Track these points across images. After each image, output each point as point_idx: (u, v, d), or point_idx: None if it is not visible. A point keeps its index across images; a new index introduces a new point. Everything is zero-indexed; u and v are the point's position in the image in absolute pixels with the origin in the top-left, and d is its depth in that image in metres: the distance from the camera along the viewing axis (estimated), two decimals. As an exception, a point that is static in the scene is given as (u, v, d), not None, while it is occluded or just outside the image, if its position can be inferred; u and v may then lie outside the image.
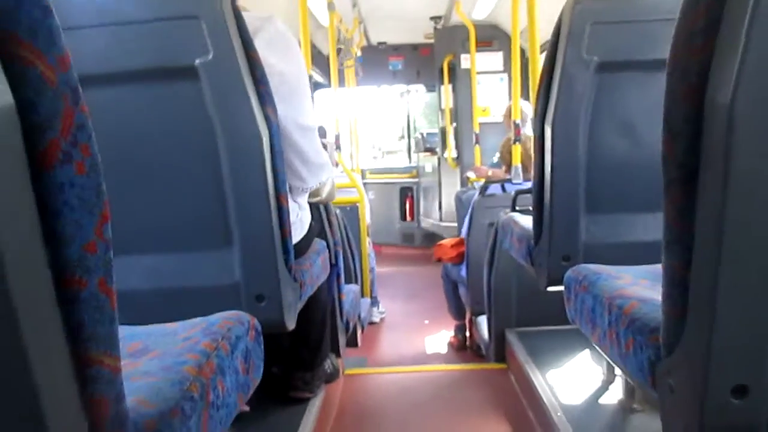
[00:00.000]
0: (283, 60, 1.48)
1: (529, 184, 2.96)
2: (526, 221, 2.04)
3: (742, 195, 0.70)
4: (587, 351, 2.20)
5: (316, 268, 1.74)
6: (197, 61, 1.28)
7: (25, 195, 0.52)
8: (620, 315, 1.07)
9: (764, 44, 0.66)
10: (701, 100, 0.74)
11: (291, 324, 1.45)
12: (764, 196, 0.70)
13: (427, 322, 4.42)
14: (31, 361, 0.51)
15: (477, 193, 3.27)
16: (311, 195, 1.77)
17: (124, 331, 1.02)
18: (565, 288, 1.41)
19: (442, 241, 3.66)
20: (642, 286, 1.17)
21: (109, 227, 0.59)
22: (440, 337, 4.01)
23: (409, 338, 4.07)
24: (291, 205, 1.55)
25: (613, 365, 1.35)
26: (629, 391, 1.77)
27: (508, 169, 3.52)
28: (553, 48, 1.65)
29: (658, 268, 0.88)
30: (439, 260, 3.71)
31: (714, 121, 0.72)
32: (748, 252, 0.72)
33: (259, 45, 1.36)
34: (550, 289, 1.73)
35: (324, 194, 1.91)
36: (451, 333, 3.88)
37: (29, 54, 0.52)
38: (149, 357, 0.92)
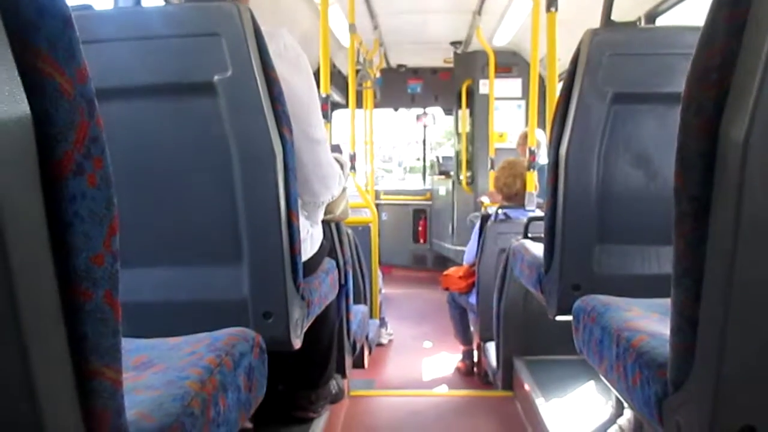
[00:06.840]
0: (293, 73, 1.47)
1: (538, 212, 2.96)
2: (538, 249, 2.03)
3: (754, 230, 0.69)
4: (595, 382, 2.17)
5: (324, 286, 1.73)
6: (216, 78, 1.29)
7: (36, 204, 0.53)
8: (628, 348, 1.05)
9: None
10: (715, 135, 0.73)
11: (297, 342, 1.45)
12: None
13: (434, 345, 4.39)
14: (33, 371, 0.51)
15: (481, 218, 3.27)
16: (324, 212, 1.76)
17: (129, 343, 1.03)
18: (574, 318, 1.39)
19: (449, 271, 3.65)
20: (651, 319, 1.16)
21: (117, 240, 0.60)
22: (448, 362, 3.98)
23: (416, 361, 4.05)
24: (302, 222, 1.55)
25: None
26: (637, 424, 1.74)
27: (503, 196, 3.45)
28: (570, 77, 1.65)
29: (669, 301, 0.87)
30: (447, 289, 3.70)
31: (728, 156, 0.71)
32: (759, 288, 0.71)
33: None
34: (559, 318, 1.71)
35: (337, 212, 1.91)
36: (460, 357, 3.85)
37: (48, 66, 0.53)
38: (153, 370, 0.92)
